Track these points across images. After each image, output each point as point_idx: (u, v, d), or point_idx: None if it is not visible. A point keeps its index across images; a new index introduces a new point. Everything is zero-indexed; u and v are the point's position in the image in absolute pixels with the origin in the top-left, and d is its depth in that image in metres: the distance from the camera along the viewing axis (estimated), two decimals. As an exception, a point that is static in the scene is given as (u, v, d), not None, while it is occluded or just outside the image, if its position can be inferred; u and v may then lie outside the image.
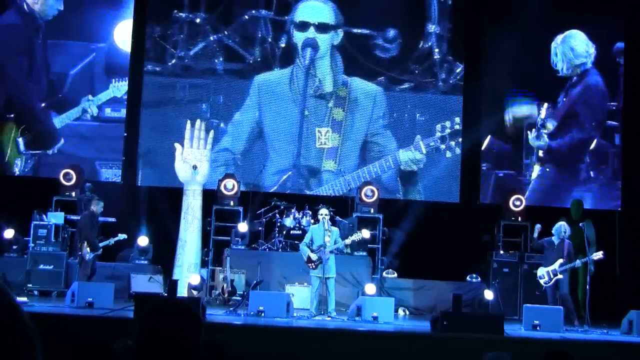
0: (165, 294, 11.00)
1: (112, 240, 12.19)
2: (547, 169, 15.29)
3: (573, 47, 15.40)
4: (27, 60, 15.03)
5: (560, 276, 11.33)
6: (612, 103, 15.43)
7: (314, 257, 11.10)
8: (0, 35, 15.01)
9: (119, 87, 15.17)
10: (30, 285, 12.65)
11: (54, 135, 14.98)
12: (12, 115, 14.91)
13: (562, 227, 11.52)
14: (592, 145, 15.34)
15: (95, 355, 3.36)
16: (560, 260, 11.33)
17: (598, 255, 11.36)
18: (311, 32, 15.41)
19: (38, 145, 14.95)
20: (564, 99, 15.32)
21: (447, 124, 15.23)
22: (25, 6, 15.06)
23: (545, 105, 15.27)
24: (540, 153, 15.27)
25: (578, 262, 11.37)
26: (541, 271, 11.50)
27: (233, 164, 15.06)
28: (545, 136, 15.22)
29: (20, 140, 14.90)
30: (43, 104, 15.00)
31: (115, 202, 13.58)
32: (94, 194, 13.21)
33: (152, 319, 2.16)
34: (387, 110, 15.39)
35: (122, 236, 12.33)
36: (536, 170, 15.27)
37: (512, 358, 4.32)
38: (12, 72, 14.99)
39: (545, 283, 11.41)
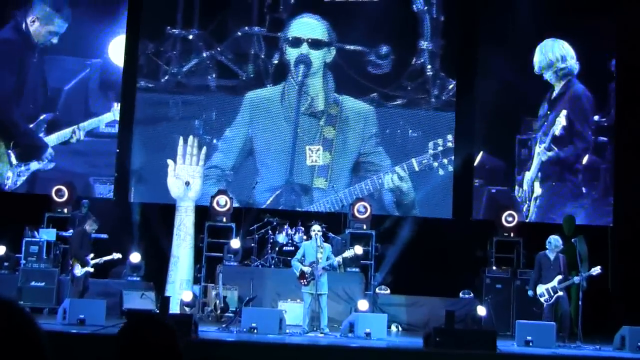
0: (158, 311, 10.96)
1: (102, 260, 12.15)
2: (553, 184, 15.28)
3: (559, 51, 15.43)
4: (17, 78, 14.98)
5: (560, 293, 11.26)
6: (602, 119, 15.47)
7: (306, 269, 11.07)
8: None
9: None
10: (22, 302, 12.56)
11: (41, 146, 14.91)
12: (-2, 132, 14.90)
13: (556, 240, 11.47)
14: (584, 161, 15.38)
15: None
16: (559, 277, 11.27)
17: (596, 270, 11.28)
18: (304, 48, 15.44)
19: (29, 156, 14.90)
20: (547, 112, 15.35)
21: (440, 141, 15.24)
22: (23, 25, 15.05)
23: (564, 112, 15.25)
24: (537, 172, 15.20)
25: (577, 279, 11.27)
26: (540, 289, 11.38)
27: (224, 181, 15.02)
28: (554, 147, 15.22)
29: (11, 152, 14.86)
30: (32, 124, 14.92)
31: (108, 219, 13.54)
32: (90, 212, 13.12)
33: (127, 335, 2.17)
34: (379, 128, 15.39)
35: (116, 255, 12.29)
36: (537, 187, 15.22)
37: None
38: None
39: (545, 301, 11.32)
